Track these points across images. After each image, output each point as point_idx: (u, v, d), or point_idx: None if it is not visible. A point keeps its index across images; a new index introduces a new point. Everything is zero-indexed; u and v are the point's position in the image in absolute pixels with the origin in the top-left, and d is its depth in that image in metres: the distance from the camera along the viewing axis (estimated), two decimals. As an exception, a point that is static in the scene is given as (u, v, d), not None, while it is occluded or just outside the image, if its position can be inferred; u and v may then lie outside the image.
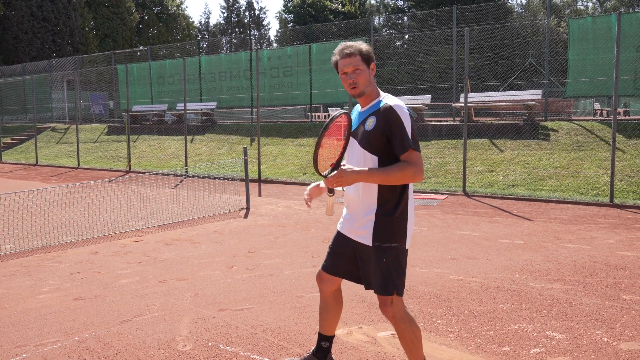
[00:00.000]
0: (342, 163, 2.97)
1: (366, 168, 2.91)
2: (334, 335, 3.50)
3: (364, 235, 3.04)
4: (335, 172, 2.88)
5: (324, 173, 2.94)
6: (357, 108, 3.20)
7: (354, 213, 3.11)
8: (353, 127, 3.11)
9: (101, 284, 5.54)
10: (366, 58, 3.03)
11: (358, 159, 3.03)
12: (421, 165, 2.88)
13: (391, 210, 2.99)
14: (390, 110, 2.92)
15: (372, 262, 3.03)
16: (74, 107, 25.72)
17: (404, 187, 3.02)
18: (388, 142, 2.94)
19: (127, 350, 3.90)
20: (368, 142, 2.99)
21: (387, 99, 3.01)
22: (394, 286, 3.00)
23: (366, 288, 3.17)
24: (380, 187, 2.99)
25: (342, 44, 3.07)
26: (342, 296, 3.48)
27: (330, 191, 3.04)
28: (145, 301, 4.97)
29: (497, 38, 18.06)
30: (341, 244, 3.23)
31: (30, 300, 5.10)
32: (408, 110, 2.98)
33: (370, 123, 2.99)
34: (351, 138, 3.08)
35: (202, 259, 6.49)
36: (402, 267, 3.04)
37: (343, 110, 2.98)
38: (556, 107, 16.39)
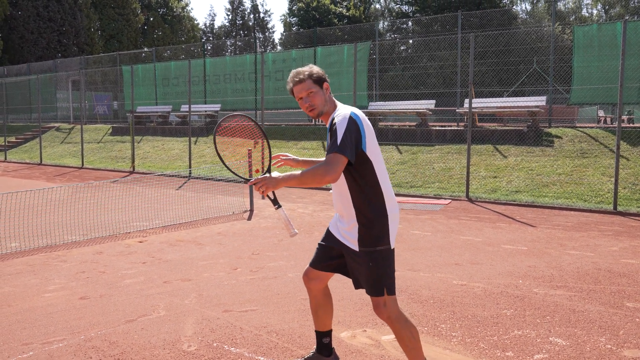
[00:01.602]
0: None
1: (289, 173, 3.07)
2: (332, 329, 3.60)
3: (350, 241, 3.16)
4: (259, 177, 3.06)
5: (251, 178, 3.16)
6: None
7: (342, 218, 3.25)
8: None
9: (106, 284, 5.57)
10: (317, 80, 3.18)
11: None
12: (334, 166, 2.93)
13: (370, 215, 3.10)
14: (332, 124, 3.07)
15: (361, 266, 3.14)
16: (79, 107, 25.79)
17: (375, 191, 3.11)
18: None
19: (132, 350, 3.92)
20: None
21: (337, 112, 3.13)
22: (383, 287, 3.10)
23: (356, 287, 3.29)
24: (352, 196, 3.12)
25: (293, 72, 3.22)
26: (331, 292, 3.60)
27: (275, 203, 3.24)
28: (150, 301, 5.00)
29: (502, 44, 18.08)
30: (332, 241, 3.33)
31: (36, 298, 5.13)
32: (356, 117, 3.05)
33: (328, 138, 3.13)
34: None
35: (206, 260, 6.52)
36: (390, 267, 3.14)
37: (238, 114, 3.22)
38: (560, 113, 16.41)
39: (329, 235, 3.37)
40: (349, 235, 3.15)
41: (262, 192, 3.05)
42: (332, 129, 3.04)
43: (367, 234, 3.09)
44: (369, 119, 17.92)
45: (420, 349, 3.17)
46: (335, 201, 3.27)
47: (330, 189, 12.60)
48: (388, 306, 3.11)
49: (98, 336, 4.18)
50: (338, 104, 3.24)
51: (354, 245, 3.13)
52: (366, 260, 3.10)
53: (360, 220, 3.11)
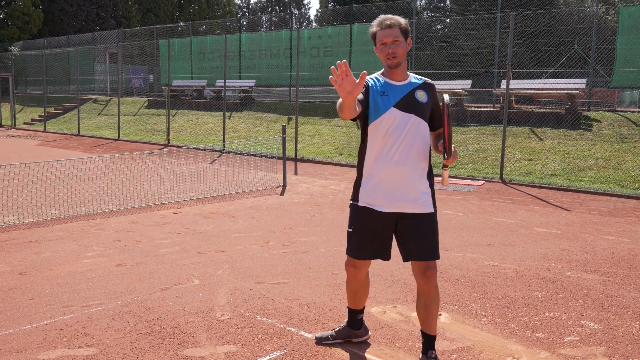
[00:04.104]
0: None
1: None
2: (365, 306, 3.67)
3: (422, 204, 3.12)
4: (453, 152, 3.06)
5: (444, 162, 3.13)
6: (387, 82, 3.19)
7: (402, 186, 3.08)
8: (395, 99, 3.13)
9: (142, 252, 5.72)
10: (404, 32, 3.16)
11: (416, 128, 3.14)
12: None
13: (431, 175, 3.24)
14: (434, 88, 3.30)
15: (427, 229, 3.11)
16: (116, 80, 26.17)
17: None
18: (432, 113, 3.25)
19: (167, 316, 4.04)
20: (423, 113, 3.18)
21: (420, 77, 3.32)
22: (438, 249, 3.20)
23: (407, 259, 3.16)
24: (429, 154, 3.19)
25: (382, 16, 3.17)
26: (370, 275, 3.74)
27: (445, 166, 3.13)
28: (184, 270, 5.12)
29: (542, 24, 17.62)
30: (382, 224, 3.15)
31: (76, 264, 5.30)
32: None
33: (423, 96, 3.19)
34: (394, 109, 3.11)
35: (239, 233, 6.62)
36: None
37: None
38: (600, 97, 15.99)
39: (376, 218, 3.14)
40: (419, 200, 3.09)
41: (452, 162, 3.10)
42: (437, 98, 3.28)
43: (433, 194, 3.20)
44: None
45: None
46: (396, 167, 3.08)
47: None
48: (436, 270, 3.19)
49: (135, 302, 4.31)
50: None
51: (428, 208, 3.12)
52: (434, 221, 3.15)
53: (430, 181, 3.20)
